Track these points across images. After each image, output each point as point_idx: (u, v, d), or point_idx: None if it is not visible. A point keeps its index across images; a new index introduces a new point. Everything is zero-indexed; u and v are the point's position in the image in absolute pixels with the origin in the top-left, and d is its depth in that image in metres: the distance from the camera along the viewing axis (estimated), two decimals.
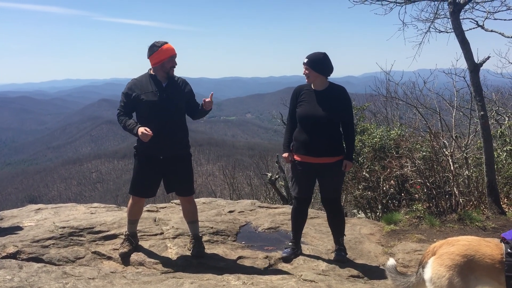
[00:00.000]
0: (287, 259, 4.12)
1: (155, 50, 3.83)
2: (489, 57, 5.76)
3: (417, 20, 6.49)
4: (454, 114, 7.73)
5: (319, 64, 3.90)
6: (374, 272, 3.93)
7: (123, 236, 4.18)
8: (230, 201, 6.66)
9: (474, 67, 5.72)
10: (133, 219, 4.13)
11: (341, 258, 4.11)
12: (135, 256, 4.00)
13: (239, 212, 5.57)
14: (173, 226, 4.69)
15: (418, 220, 5.42)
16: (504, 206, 5.95)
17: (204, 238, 4.41)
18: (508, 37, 6.04)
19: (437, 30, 6.42)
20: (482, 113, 5.72)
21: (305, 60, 3.94)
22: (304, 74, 3.99)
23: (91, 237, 4.33)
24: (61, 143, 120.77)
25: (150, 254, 4.08)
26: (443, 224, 5.25)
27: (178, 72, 4.00)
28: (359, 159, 7.44)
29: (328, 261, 4.10)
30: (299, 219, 4.23)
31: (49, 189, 75.69)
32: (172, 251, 4.15)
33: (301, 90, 4.05)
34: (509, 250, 2.44)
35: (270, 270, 3.95)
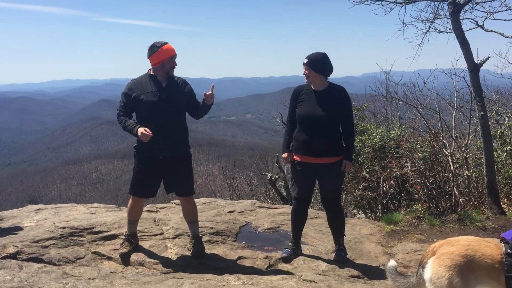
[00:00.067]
0: (287, 259, 4.12)
1: (155, 50, 3.83)
2: (489, 57, 5.76)
3: (417, 20, 6.50)
4: (454, 114, 7.73)
5: (318, 64, 3.91)
6: (374, 272, 3.93)
7: (123, 237, 4.18)
8: (230, 201, 6.66)
9: (474, 67, 5.72)
10: (133, 219, 4.13)
11: (341, 258, 4.11)
12: (135, 257, 4.00)
13: (239, 212, 5.57)
14: (173, 226, 4.69)
15: (418, 220, 5.42)
16: (504, 206, 5.95)
17: (204, 238, 4.41)
18: (508, 37, 6.05)
19: (437, 30, 6.42)
20: (482, 113, 5.72)
21: (305, 61, 3.94)
22: (304, 74, 3.99)
23: (91, 237, 4.33)
24: (61, 144, 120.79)
25: (150, 254, 4.08)
26: (443, 224, 5.25)
27: (178, 72, 3.98)
28: (359, 159, 7.44)
29: (328, 261, 4.10)
30: (299, 219, 4.23)
31: (49, 189, 75.71)
32: (172, 251, 4.15)
33: (301, 90, 4.05)
34: (508, 250, 2.44)
35: (270, 270, 3.95)
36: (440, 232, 5.04)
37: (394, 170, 6.42)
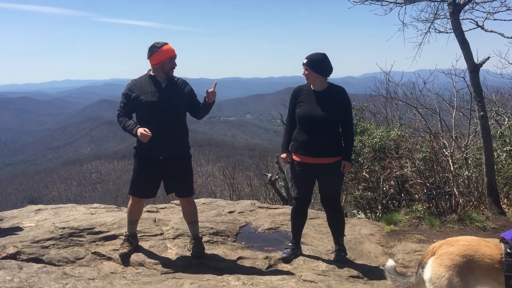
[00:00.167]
0: (287, 260, 4.12)
1: (155, 51, 3.83)
2: (488, 57, 5.76)
3: (417, 20, 6.50)
4: (454, 114, 7.73)
5: (318, 64, 3.91)
6: (374, 273, 3.93)
7: (123, 237, 4.18)
8: (230, 201, 6.66)
9: (474, 68, 5.72)
10: (133, 220, 4.13)
11: (341, 259, 4.11)
12: (135, 257, 4.00)
13: (239, 212, 5.57)
14: (173, 227, 4.69)
15: (418, 221, 5.42)
16: (504, 206, 5.96)
17: (204, 238, 4.41)
18: (508, 37, 6.05)
19: (437, 31, 6.42)
20: (482, 113, 5.72)
21: (305, 61, 3.94)
22: (303, 74, 3.99)
23: (91, 238, 4.33)
24: (61, 144, 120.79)
25: (150, 254, 4.08)
26: (443, 224, 5.25)
27: (178, 72, 3.98)
28: (359, 159, 7.45)
29: (328, 262, 4.10)
30: (298, 220, 4.23)
31: (49, 189, 75.71)
32: (172, 252, 4.15)
33: (300, 91, 4.06)
34: (508, 250, 2.44)
35: (270, 270, 3.95)
36: (440, 232, 5.04)
37: (394, 170, 6.42)
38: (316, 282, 3.58)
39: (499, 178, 6.52)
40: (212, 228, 4.73)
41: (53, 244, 4.13)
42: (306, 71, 3.95)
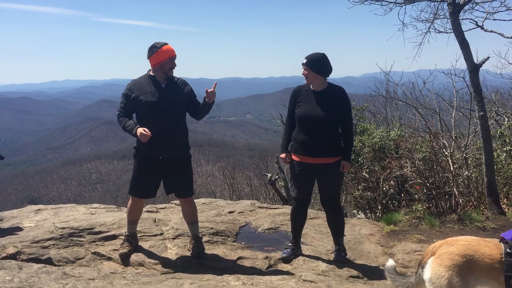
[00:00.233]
0: (287, 260, 4.12)
1: (154, 51, 3.83)
2: (488, 57, 5.76)
3: (416, 20, 6.50)
4: (453, 114, 7.73)
5: (318, 64, 3.91)
6: (374, 273, 3.93)
7: (123, 237, 4.18)
8: (230, 201, 6.66)
9: (474, 68, 5.72)
10: (132, 220, 4.13)
11: (340, 259, 4.11)
12: (135, 257, 4.00)
13: (239, 212, 5.57)
14: (173, 227, 4.69)
15: (418, 221, 5.42)
16: (503, 206, 5.96)
17: (204, 238, 4.41)
18: (508, 37, 6.05)
19: (437, 31, 6.42)
20: (481, 113, 5.73)
21: (304, 61, 3.94)
22: (303, 74, 3.99)
23: (91, 238, 4.33)
24: (61, 144, 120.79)
25: (150, 254, 4.08)
26: (443, 224, 5.25)
27: (178, 72, 3.98)
28: (359, 159, 7.44)
29: (328, 262, 4.10)
30: (298, 220, 4.23)
31: (49, 189, 75.70)
32: (172, 252, 4.15)
33: (300, 91, 4.06)
34: (508, 250, 2.44)
35: (270, 270, 3.95)
36: (439, 232, 5.04)
37: (394, 170, 6.42)
38: (316, 282, 3.58)
39: (499, 178, 6.52)
40: (212, 228, 4.73)
41: (53, 244, 4.13)
42: (305, 71, 3.95)
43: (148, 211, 5.37)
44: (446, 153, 6.19)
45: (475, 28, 6.10)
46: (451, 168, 5.92)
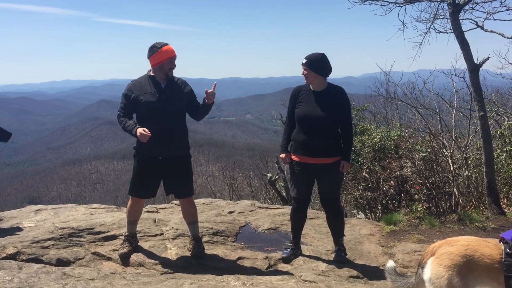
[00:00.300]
0: (286, 260, 4.12)
1: (155, 51, 3.83)
2: (488, 57, 5.77)
3: (416, 20, 6.50)
4: (453, 114, 7.73)
5: (317, 64, 3.91)
6: (374, 273, 3.93)
7: (122, 237, 4.18)
8: (230, 201, 6.66)
9: (474, 68, 5.72)
10: (132, 220, 4.13)
11: (340, 259, 4.11)
12: (134, 257, 4.00)
13: (239, 212, 5.57)
14: (172, 227, 4.69)
15: (418, 221, 5.42)
16: (503, 206, 5.96)
17: (204, 238, 4.41)
18: (508, 37, 6.05)
19: (437, 31, 6.42)
20: (481, 113, 5.73)
21: (304, 61, 3.94)
22: (302, 74, 3.99)
23: (90, 238, 4.33)
24: (61, 144, 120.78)
25: (149, 254, 4.08)
26: (443, 224, 5.25)
27: (177, 72, 3.98)
28: (359, 159, 7.44)
29: (328, 262, 4.10)
30: (298, 220, 4.23)
31: (48, 190, 75.70)
32: (172, 252, 4.15)
33: (299, 91, 4.06)
34: (508, 250, 2.44)
35: (270, 270, 3.95)
36: (440, 233, 5.04)
37: (394, 170, 6.42)
38: (316, 282, 3.58)
39: (499, 178, 6.52)
40: (212, 228, 4.73)
41: (52, 244, 4.13)
42: (305, 71, 3.95)
43: (148, 211, 5.37)
44: (446, 153, 6.19)
45: (475, 28, 6.10)
46: (451, 168, 5.92)
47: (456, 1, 5.69)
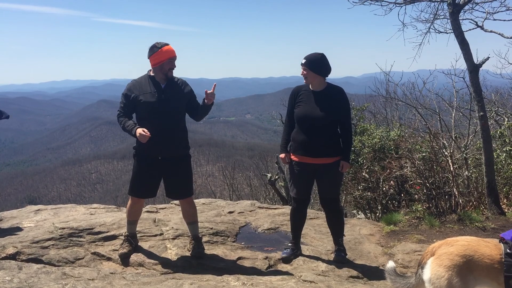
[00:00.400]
0: (286, 260, 4.12)
1: (155, 51, 3.83)
2: (488, 57, 5.77)
3: (416, 20, 6.51)
4: (453, 114, 7.73)
5: (316, 64, 3.91)
6: (374, 273, 3.93)
7: (122, 237, 4.18)
8: (230, 201, 6.66)
9: (474, 68, 5.72)
10: (132, 220, 4.13)
11: (340, 259, 4.11)
12: (134, 257, 4.00)
13: (238, 212, 5.57)
14: (172, 227, 4.69)
15: (418, 221, 5.42)
16: (503, 206, 5.96)
17: (204, 239, 4.41)
18: (508, 37, 6.05)
19: (437, 31, 6.42)
20: (481, 113, 5.73)
21: (303, 61, 3.94)
22: (302, 74, 3.99)
23: (90, 238, 4.33)
24: (61, 144, 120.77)
25: (149, 255, 4.08)
26: (442, 224, 5.25)
27: (178, 72, 3.98)
28: (359, 159, 7.44)
29: (328, 262, 4.10)
30: (298, 220, 4.23)
31: (48, 190, 75.69)
32: (172, 252, 4.15)
33: (299, 91, 4.06)
34: (508, 250, 2.44)
35: (269, 271, 3.95)
36: (439, 233, 5.04)
37: (394, 170, 6.42)
38: (316, 282, 3.58)
39: (499, 178, 6.52)
40: (211, 228, 4.73)
41: (52, 245, 4.13)
42: (304, 71, 3.95)
43: (148, 211, 5.37)
44: (446, 153, 6.19)
45: (475, 28, 6.11)
46: (451, 168, 5.92)
47: (456, 1, 5.69)
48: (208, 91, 3.90)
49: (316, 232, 4.99)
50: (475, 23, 6.04)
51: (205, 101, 3.95)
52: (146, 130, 3.65)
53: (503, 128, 7.52)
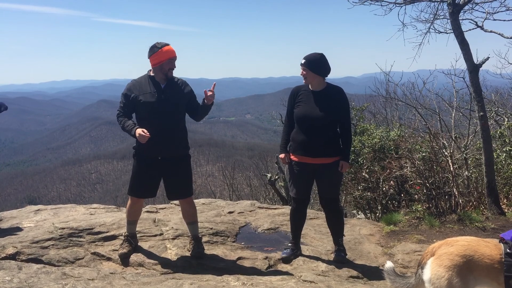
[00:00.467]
0: (286, 260, 4.12)
1: (155, 51, 3.83)
2: (488, 57, 5.77)
3: (416, 21, 6.51)
4: (453, 114, 7.73)
5: (316, 64, 3.91)
6: (374, 273, 3.93)
7: (122, 237, 4.18)
8: (230, 202, 6.66)
9: (474, 68, 5.72)
10: (132, 220, 4.13)
11: (340, 259, 4.11)
12: (134, 257, 4.00)
13: (238, 213, 5.57)
14: (172, 227, 4.69)
15: (418, 221, 5.42)
16: (503, 206, 5.96)
17: (204, 239, 4.41)
18: (508, 37, 6.05)
19: (437, 31, 6.42)
20: (481, 113, 5.73)
21: (303, 61, 3.94)
22: (301, 74, 3.99)
23: (90, 238, 4.33)
24: (61, 144, 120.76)
25: (149, 255, 4.08)
26: (442, 224, 5.25)
27: (177, 72, 3.98)
28: (359, 159, 7.44)
29: (328, 262, 4.10)
30: (298, 220, 4.23)
31: (48, 190, 75.69)
32: (172, 252, 4.15)
33: (298, 91, 4.06)
34: (508, 250, 2.44)
35: (269, 271, 3.95)
36: (439, 233, 5.04)
37: (394, 170, 6.42)
38: (316, 282, 3.58)
39: (499, 178, 6.52)
40: (211, 228, 4.73)
41: (52, 245, 4.13)
42: (304, 71, 3.95)
43: (147, 211, 5.37)
44: (446, 153, 6.19)
45: (475, 28, 6.11)
46: (451, 168, 5.92)
47: (456, 1, 5.69)
48: (208, 91, 3.91)
49: (316, 232, 4.99)
50: (475, 23, 6.04)
51: (205, 101, 3.95)
52: (145, 131, 3.65)
53: (503, 128, 7.52)
